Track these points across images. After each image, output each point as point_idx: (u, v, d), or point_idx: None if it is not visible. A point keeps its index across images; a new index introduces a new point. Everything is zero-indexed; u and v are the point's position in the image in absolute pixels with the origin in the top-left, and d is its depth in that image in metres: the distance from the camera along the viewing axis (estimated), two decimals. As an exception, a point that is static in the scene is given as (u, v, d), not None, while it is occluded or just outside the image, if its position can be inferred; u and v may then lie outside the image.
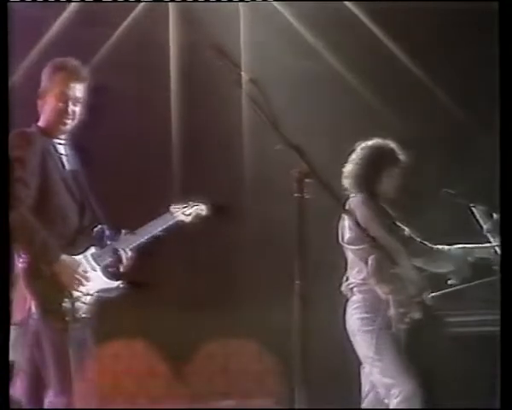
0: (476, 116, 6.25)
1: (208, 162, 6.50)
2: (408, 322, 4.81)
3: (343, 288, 5.00)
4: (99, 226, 4.25)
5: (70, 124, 4.25)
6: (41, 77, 4.30)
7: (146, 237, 4.35)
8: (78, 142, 4.37)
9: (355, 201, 4.88)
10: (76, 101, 4.24)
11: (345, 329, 4.93)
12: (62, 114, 4.22)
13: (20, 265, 4.06)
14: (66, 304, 4.03)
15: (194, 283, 6.40)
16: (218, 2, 6.30)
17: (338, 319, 4.97)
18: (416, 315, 4.80)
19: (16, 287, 4.07)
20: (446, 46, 6.42)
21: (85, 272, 4.12)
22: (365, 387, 4.93)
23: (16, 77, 5.85)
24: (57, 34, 6.19)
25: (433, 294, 4.91)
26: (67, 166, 4.27)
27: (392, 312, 4.77)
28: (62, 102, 4.21)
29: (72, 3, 6.19)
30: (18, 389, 4.10)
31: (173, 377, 6.41)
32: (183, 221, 4.57)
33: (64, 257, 4.06)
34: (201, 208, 4.68)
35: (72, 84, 4.23)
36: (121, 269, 4.27)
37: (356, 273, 4.93)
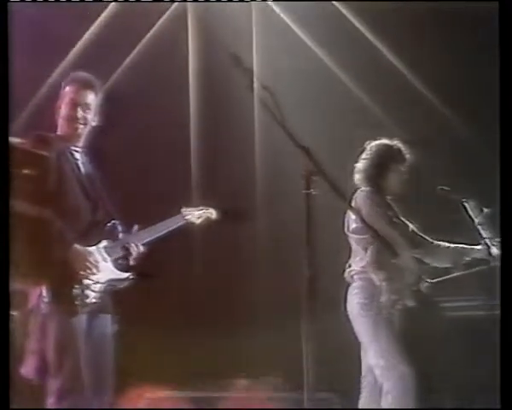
0: (476, 117, 6.15)
1: (222, 162, 6.48)
2: (400, 308, 4.80)
3: (345, 274, 4.99)
4: (112, 222, 4.22)
5: (82, 129, 4.24)
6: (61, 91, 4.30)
7: (156, 235, 4.32)
8: (94, 147, 4.35)
9: (361, 194, 4.88)
10: (86, 107, 4.23)
11: (346, 312, 4.91)
12: (73, 119, 4.22)
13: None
14: (77, 290, 4.01)
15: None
16: (233, 15, 6.29)
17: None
18: (410, 303, 4.80)
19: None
20: (446, 46, 6.34)
21: (96, 262, 4.08)
22: (364, 367, 4.91)
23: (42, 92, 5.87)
24: (83, 48, 6.18)
25: (429, 281, 4.91)
26: (83, 171, 4.26)
27: (384, 298, 4.76)
28: (72, 109, 4.21)
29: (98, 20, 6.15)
30: (29, 370, 4.05)
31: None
32: (192, 223, 4.54)
33: (77, 246, 4.04)
34: (211, 212, 4.62)
35: (81, 92, 4.23)
36: (131, 262, 4.22)
37: (357, 261, 4.92)
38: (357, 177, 4.98)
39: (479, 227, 4.88)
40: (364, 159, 4.99)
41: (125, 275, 4.21)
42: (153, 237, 4.31)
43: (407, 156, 4.97)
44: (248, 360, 6.13)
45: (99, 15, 6.17)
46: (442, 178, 5.47)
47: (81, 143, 4.29)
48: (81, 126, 4.24)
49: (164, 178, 6.30)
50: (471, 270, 5.02)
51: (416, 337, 4.90)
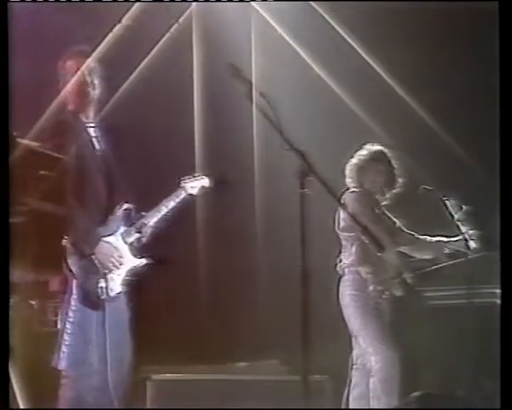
0: (476, 118, 6.10)
1: (223, 162, 6.46)
2: (386, 298, 4.81)
3: (337, 268, 5.00)
4: (126, 205, 4.09)
5: (93, 94, 4.07)
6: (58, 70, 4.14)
7: (163, 213, 4.15)
8: (108, 124, 4.19)
9: (350, 195, 4.90)
10: (89, 74, 4.06)
11: (338, 303, 4.90)
12: (83, 88, 4.05)
13: (62, 247, 3.94)
14: (102, 284, 3.94)
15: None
16: (233, 27, 6.27)
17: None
18: (397, 293, 4.81)
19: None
20: (446, 46, 6.30)
21: (120, 256, 4.00)
22: (355, 354, 4.91)
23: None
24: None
25: (414, 272, 4.91)
26: (97, 147, 4.09)
27: (370, 289, 4.78)
28: (80, 78, 4.03)
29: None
30: (63, 361, 3.97)
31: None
32: (191, 194, 4.35)
33: (103, 243, 3.95)
34: (205, 181, 4.42)
35: (83, 61, 4.08)
36: (143, 242, 4.10)
37: (347, 256, 4.95)
38: (348, 172, 5.03)
39: (458, 223, 4.89)
40: (355, 160, 5.04)
41: (142, 261, 4.10)
42: (160, 215, 4.15)
43: (393, 161, 5.00)
44: (247, 343, 6.12)
45: (107, 18, 6.08)
46: (425, 178, 5.45)
47: (93, 115, 4.10)
48: (91, 93, 4.05)
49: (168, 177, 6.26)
50: (451, 262, 5.03)
51: (401, 325, 4.90)
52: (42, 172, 5.64)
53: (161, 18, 6.12)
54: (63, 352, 3.94)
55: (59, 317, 4.03)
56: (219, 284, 6.32)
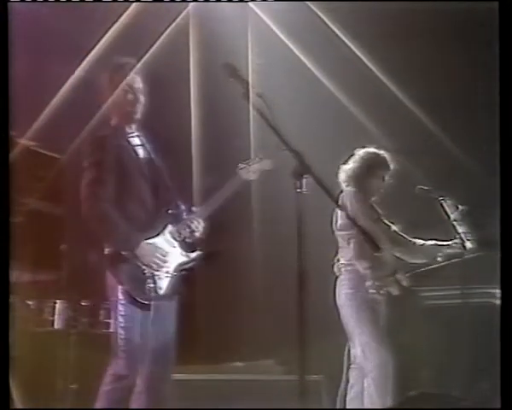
0: (475, 118, 6.10)
1: (220, 161, 6.45)
2: (384, 294, 4.81)
3: (334, 268, 5.00)
4: (174, 204, 4.07)
5: (137, 113, 4.05)
6: (99, 84, 4.12)
7: (218, 204, 4.09)
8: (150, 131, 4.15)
9: (347, 194, 4.90)
10: (137, 90, 4.04)
11: (335, 302, 4.90)
12: (132, 104, 4.03)
13: (105, 256, 3.92)
14: (150, 284, 3.90)
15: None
16: (230, 27, 6.27)
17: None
18: (394, 291, 4.80)
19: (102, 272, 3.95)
20: (445, 46, 6.30)
21: (165, 253, 3.95)
22: (351, 354, 4.91)
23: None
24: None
25: (409, 272, 4.92)
26: (141, 155, 4.07)
27: (368, 284, 4.77)
28: (125, 94, 4.02)
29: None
30: (123, 368, 3.92)
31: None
32: (249, 180, 4.24)
33: (144, 244, 3.90)
34: (265, 163, 4.24)
35: (130, 76, 4.04)
36: (197, 235, 4.05)
37: (345, 255, 4.94)
38: (343, 177, 5.00)
39: (454, 223, 4.90)
40: (353, 162, 5.02)
41: (193, 255, 4.07)
42: (215, 207, 4.09)
43: (391, 166, 5.00)
44: (244, 343, 6.12)
45: (105, 18, 6.06)
46: (421, 178, 5.47)
47: (135, 127, 4.08)
48: (135, 111, 4.03)
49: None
50: (447, 262, 5.04)
51: (396, 325, 4.91)
52: (40, 172, 5.68)
53: (158, 18, 6.11)
54: (121, 358, 3.91)
55: (112, 322, 3.99)
56: (215, 285, 6.32)
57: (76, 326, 5.41)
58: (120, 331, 3.91)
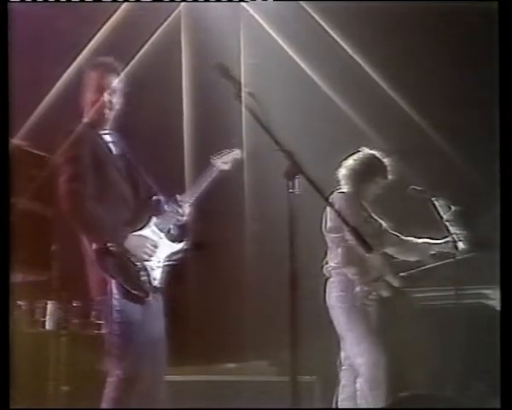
0: (476, 119, 6.09)
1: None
2: (373, 299, 4.81)
3: (324, 270, 4.98)
4: (154, 196, 4.05)
5: (110, 113, 4.03)
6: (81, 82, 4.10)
7: (198, 192, 4.15)
8: (121, 128, 4.14)
9: (339, 195, 4.88)
10: (112, 91, 4.02)
11: (325, 304, 4.89)
12: (101, 104, 3.99)
13: (93, 252, 3.85)
14: (144, 277, 3.87)
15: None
16: (222, 27, 6.27)
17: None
18: (384, 293, 4.80)
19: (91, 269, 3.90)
20: (444, 46, 6.29)
21: (154, 243, 3.93)
22: (342, 356, 4.90)
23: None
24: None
25: (401, 274, 4.91)
26: (114, 151, 4.05)
27: (357, 290, 4.77)
28: (99, 94, 3.99)
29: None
30: (118, 366, 3.84)
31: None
32: (224, 170, 4.32)
33: (132, 235, 3.87)
34: (236, 153, 4.40)
35: (106, 76, 4.01)
36: (182, 221, 4.06)
37: (333, 257, 4.92)
38: (343, 172, 4.99)
39: (447, 223, 4.89)
40: (354, 160, 5.00)
41: (180, 245, 4.06)
42: (195, 195, 4.13)
43: (389, 174, 4.99)
44: (236, 345, 6.11)
45: (98, 19, 6.04)
46: (414, 179, 5.46)
47: (108, 125, 4.06)
48: (107, 111, 4.01)
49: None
50: (440, 263, 5.03)
51: (388, 326, 4.90)
52: (32, 172, 5.65)
53: (150, 18, 6.10)
54: (115, 354, 3.84)
55: (105, 320, 3.92)
56: (207, 286, 6.31)
57: (67, 327, 5.38)
58: (115, 328, 3.83)
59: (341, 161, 5.02)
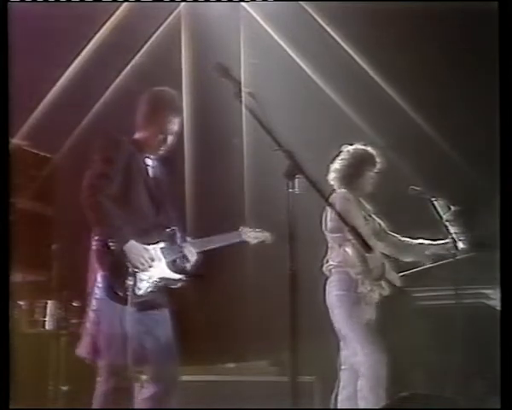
0: (475, 119, 6.08)
1: (212, 162, 6.45)
2: (376, 298, 4.80)
3: (324, 269, 4.97)
4: (172, 227, 4.12)
5: (163, 150, 4.12)
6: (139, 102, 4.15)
7: (212, 247, 4.22)
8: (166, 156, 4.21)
9: (338, 195, 4.87)
10: (172, 133, 4.11)
11: (325, 304, 4.89)
12: (161, 143, 4.09)
13: (94, 242, 3.93)
14: (130, 281, 3.90)
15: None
16: (222, 26, 6.27)
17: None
18: (385, 292, 4.80)
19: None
20: (443, 46, 6.28)
21: (151, 259, 3.98)
22: (342, 356, 4.90)
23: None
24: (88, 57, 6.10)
25: (401, 274, 4.91)
26: (151, 175, 4.13)
27: (360, 289, 4.75)
28: (163, 135, 4.08)
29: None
30: (83, 350, 3.94)
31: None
32: (247, 242, 4.42)
33: (133, 242, 3.92)
34: (266, 236, 4.50)
35: (172, 119, 4.10)
36: (187, 267, 4.13)
37: (334, 256, 4.91)
38: (333, 176, 4.98)
39: (446, 223, 4.88)
40: (341, 160, 4.99)
41: (178, 276, 4.11)
42: (208, 248, 4.20)
43: (379, 161, 4.97)
44: (236, 345, 6.11)
45: (98, 19, 6.04)
46: (413, 178, 5.47)
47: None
48: (163, 149, 4.11)
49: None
50: (439, 262, 5.03)
51: (389, 326, 4.90)
52: (32, 172, 5.65)
53: (150, 18, 6.11)
54: (85, 341, 3.94)
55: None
56: (207, 286, 6.29)
57: (67, 327, 5.38)
58: (90, 314, 3.94)
59: (329, 166, 5.01)
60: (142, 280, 3.97)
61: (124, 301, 3.89)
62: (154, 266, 4.01)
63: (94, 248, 3.95)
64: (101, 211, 3.89)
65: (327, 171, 4.99)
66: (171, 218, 4.15)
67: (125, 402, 3.95)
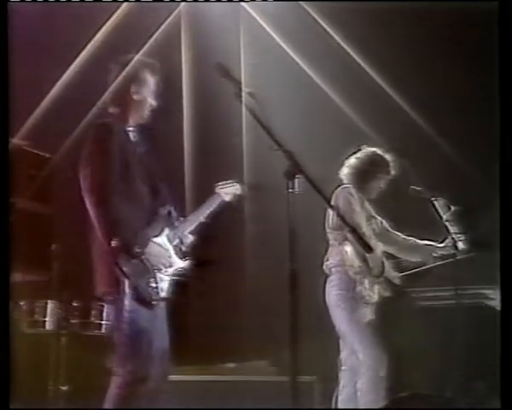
0: (476, 119, 6.08)
1: (213, 160, 6.45)
2: (376, 298, 4.79)
3: (324, 267, 4.96)
4: (167, 207, 3.99)
5: (145, 115, 3.99)
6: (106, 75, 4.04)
7: (199, 221, 4.11)
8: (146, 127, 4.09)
9: (342, 191, 4.86)
10: (152, 94, 3.98)
11: (324, 303, 4.88)
12: (143, 106, 3.96)
13: (111, 249, 3.72)
14: (153, 284, 3.83)
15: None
16: (222, 27, 6.27)
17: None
18: (385, 293, 4.79)
19: (99, 263, 3.83)
20: (443, 47, 6.27)
21: (170, 257, 3.92)
22: (342, 356, 4.89)
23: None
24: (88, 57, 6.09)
25: (402, 274, 4.91)
26: (137, 151, 3.97)
27: (359, 289, 4.75)
28: (142, 96, 3.95)
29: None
30: (124, 362, 3.79)
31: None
32: (224, 201, 4.26)
33: (153, 244, 3.84)
34: (237, 188, 4.34)
35: (149, 79, 3.98)
36: (184, 248, 4.02)
37: (334, 255, 4.90)
38: (346, 171, 4.99)
39: (446, 223, 4.88)
40: (357, 158, 5.00)
41: (186, 263, 4.01)
42: (196, 223, 4.09)
43: (392, 170, 4.99)
44: (236, 345, 6.11)
45: (98, 19, 6.03)
46: (414, 179, 5.46)
47: (133, 120, 3.99)
48: (148, 113, 3.98)
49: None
50: (440, 262, 5.03)
51: (389, 326, 4.89)
52: (32, 172, 5.65)
53: (150, 17, 6.10)
54: (123, 353, 3.80)
55: (107, 318, 3.88)
56: (207, 286, 6.30)
57: (67, 327, 5.37)
58: (125, 328, 3.78)
59: (343, 160, 5.01)
60: (163, 280, 3.89)
61: (151, 305, 3.82)
62: (173, 263, 3.94)
63: (112, 254, 3.73)
64: (114, 213, 3.73)
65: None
66: (165, 198, 4.00)
67: (137, 402, 3.86)
